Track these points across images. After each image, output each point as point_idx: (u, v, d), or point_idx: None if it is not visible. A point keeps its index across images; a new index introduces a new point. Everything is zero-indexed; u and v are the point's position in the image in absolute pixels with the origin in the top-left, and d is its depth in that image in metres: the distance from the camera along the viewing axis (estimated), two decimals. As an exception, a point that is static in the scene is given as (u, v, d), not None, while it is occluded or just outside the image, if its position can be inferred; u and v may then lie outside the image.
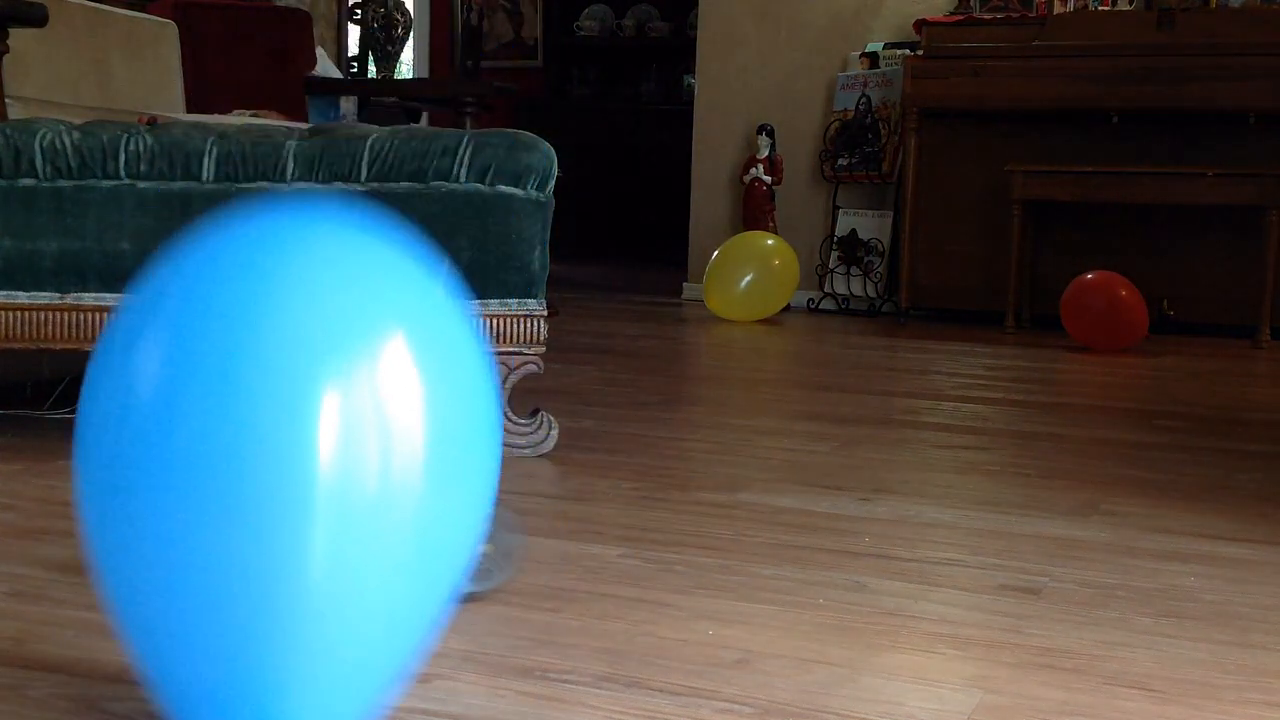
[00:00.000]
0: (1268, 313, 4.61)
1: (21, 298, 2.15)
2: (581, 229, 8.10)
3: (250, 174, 2.16)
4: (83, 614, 1.33)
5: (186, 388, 0.85)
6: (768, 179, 5.55)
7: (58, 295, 2.15)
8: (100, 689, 1.14)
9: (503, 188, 2.18)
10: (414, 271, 0.95)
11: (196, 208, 2.15)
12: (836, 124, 5.47)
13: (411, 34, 5.78)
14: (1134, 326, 4.26)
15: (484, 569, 1.44)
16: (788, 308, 5.23)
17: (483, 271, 2.18)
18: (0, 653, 1.22)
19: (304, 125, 2.44)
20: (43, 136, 2.14)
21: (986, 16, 5.16)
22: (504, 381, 2.21)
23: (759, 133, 5.57)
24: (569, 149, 6.95)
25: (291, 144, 2.18)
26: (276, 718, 0.89)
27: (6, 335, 2.15)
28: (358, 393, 0.86)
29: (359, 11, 5.30)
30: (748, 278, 4.90)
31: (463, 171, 2.17)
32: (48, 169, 2.14)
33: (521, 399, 2.35)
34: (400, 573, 0.90)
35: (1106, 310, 4.25)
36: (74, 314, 2.15)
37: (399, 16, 5.23)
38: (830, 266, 5.47)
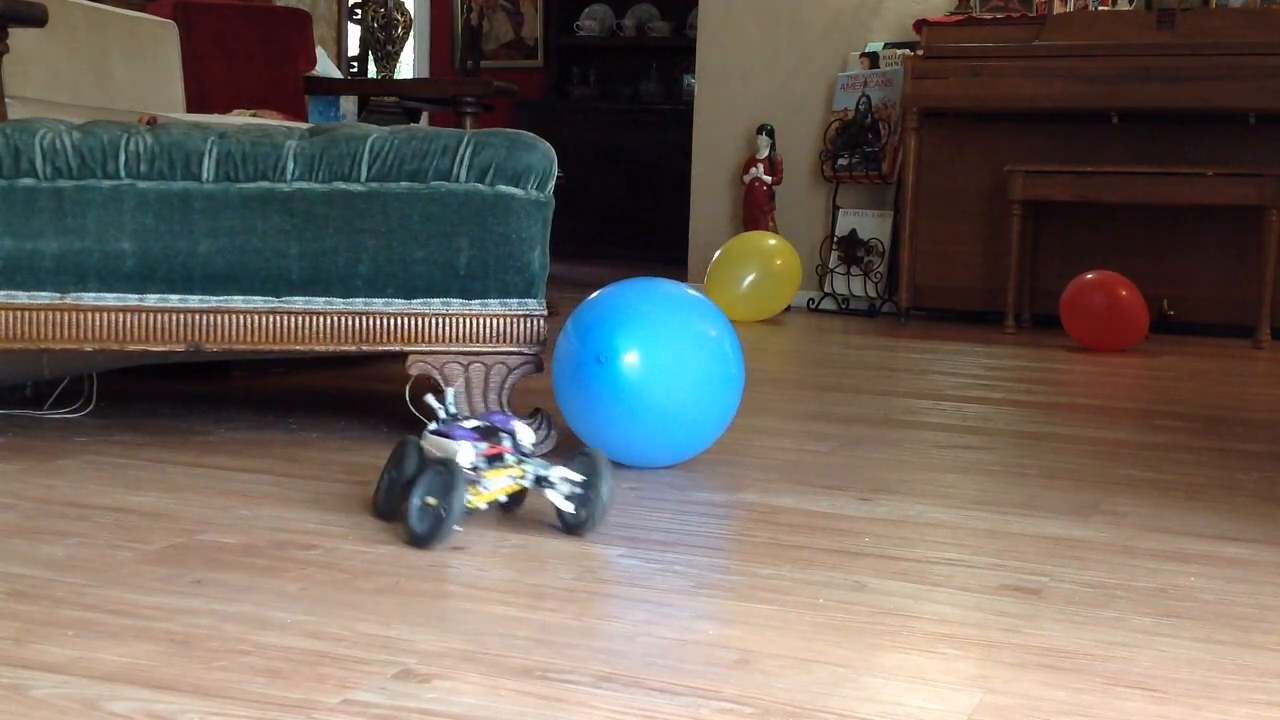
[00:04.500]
0: (1268, 313, 4.61)
1: (21, 298, 2.14)
2: (581, 229, 8.10)
3: (250, 174, 2.16)
4: (83, 614, 1.33)
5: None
6: (768, 179, 5.55)
7: (58, 295, 2.15)
8: (100, 689, 1.14)
9: (503, 188, 2.18)
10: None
11: (196, 208, 2.15)
12: (836, 124, 5.47)
13: (411, 34, 5.79)
14: (1134, 326, 4.26)
15: (431, 518, 1.60)
16: (788, 308, 5.23)
17: (483, 271, 2.18)
18: (0, 653, 1.22)
19: (304, 125, 2.43)
20: (43, 136, 2.14)
21: (986, 16, 5.16)
22: (504, 381, 2.21)
23: (759, 133, 5.57)
24: (569, 149, 6.97)
25: (291, 144, 2.18)
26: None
27: (6, 335, 2.15)
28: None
29: (359, 11, 5.31)
30: (749, 278, 4.90)
31: (463, 171, 2.17)
32: (48, 169, 2.14)
33: (521, 399, 2.35)
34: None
35: (1106, 310, 4.25)
36: (74, 314, 2.15)
37: (399, 16, 5.24)
38: (830, 266, 5.47)
